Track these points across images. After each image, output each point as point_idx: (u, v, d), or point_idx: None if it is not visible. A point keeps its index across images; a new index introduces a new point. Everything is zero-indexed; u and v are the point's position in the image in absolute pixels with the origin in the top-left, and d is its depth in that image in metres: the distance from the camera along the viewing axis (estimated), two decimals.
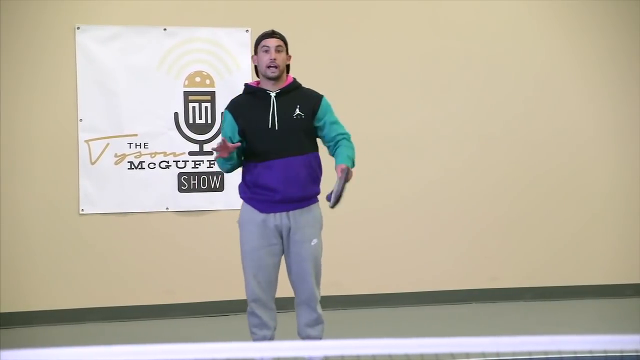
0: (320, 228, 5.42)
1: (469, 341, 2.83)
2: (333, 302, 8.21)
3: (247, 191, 5.35)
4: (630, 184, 8.79)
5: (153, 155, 7.99)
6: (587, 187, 8.80)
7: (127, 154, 7.95)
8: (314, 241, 5.35)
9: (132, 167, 7.95)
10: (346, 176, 5.20)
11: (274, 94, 5.32)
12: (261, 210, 5.30)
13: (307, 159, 5.31)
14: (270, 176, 5.25)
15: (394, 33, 8.42)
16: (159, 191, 8.02)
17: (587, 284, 8.70)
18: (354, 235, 8.31)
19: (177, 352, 2.70)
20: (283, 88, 5.35)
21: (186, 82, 8.07)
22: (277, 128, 5.27)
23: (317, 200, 5.40)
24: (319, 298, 5.44)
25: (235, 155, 5.29)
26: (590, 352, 2.91)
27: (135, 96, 7.94)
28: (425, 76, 8.48)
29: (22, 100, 7.71)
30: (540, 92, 8.70)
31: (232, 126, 5.32)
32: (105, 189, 7.88)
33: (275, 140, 5.25)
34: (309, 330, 5.44)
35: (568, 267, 8.72)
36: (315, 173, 5.36)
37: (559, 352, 2.96)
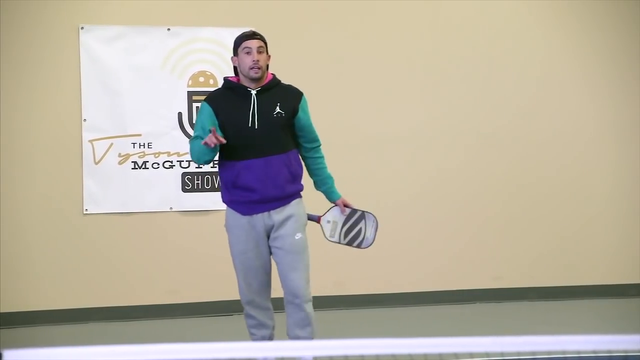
0: (304, 224, 5.34)
1: (473, 341, 2.82)
2: (335, 302, 8.22)
3: (227, 194, 5.27)
4: (634, 182, 8.79)
5: (157, 155, 7.99)
6: (591, 186, 8.79)
7: (130, 153, 7.95)
8: (298, 235, 5.26)
9: (136, 167, 7.95)
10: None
11: (255, 92, 5.24)
12: (243, 213, 5.23)
13: (286, 158, 5.26)
14: (249, 176, 5.18)
15: (394, 32, 8.41)
16: (162, 191, 8.02)
17: (591, 284, 8.69)
18: None
19: (180, 352, 2.70)
20: (264, 86, 5.26)
21: (190, 82, 8.07)
22: (257, 127, 5.19)
23: (299, 197, 5.35)
24: (307, 296, 5.27)
25: (217, 147, 5.22)
26: (594, 352, 2.91)
27: (139, 96, 7.94)
28: (425, 75, 8.47)
29: (26, 100, 7.72)
30: (541, 92, 8.69)
31: (212, 119, 5.21)
32: (109, 189, 7.89)
33: (254, 139, 5.18)
34: (298, 331, 5.27)
35: (572, 266, 8.71)
36: (295, 171, 5.31)
37: (563, 352, 2.95)
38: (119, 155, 7.93)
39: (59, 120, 7.79)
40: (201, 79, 8.08)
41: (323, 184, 5.46)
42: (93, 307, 7.83)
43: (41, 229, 7.76)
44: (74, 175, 7.81)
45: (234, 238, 5.28)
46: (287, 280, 5.24)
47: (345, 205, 5.46)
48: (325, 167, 5.47)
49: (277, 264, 5.29)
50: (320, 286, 8.09)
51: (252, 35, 5.28)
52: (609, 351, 2.89)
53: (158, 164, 7.99)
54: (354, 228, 5.46)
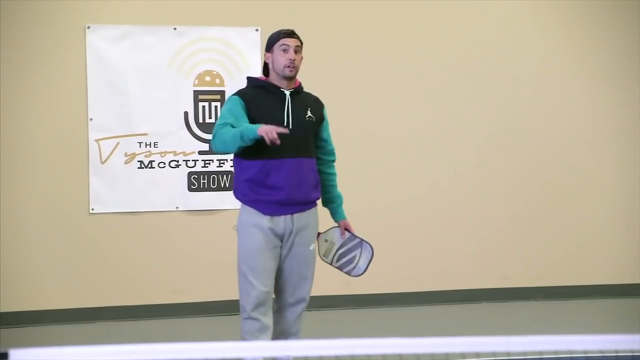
0: (316, 234, 5.25)
1: (480, 341, 2.82)
2: (343, 302, 8.21)
3: (251, 193, 5.09)
4: None
5: (163, 154, 7.99)
6: (598, 186, 8.78)
7: (137, 153, 7.96)
8: (312, 246, 5.18)
9: (142, 166, 7.96)
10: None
11: (289, 92, 5.14)
12: (266, 213, 5.06)
13: (313, 163, 5.17)
14: (279, 175, 5.02)
15: (400, 33, 8.41)
16: (168, 190, 8.03)
17: (598, 284, 8.68)
18: (364, 234, 8.28)
19: (186, 352, 2.69)
20: (296, 88, 5.18)
21: (196, 82, 8.08)
22: (291, 127, 5.05)
23: (316, 206, 5.22)
24: (305, 306, 5.22)
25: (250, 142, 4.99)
26: (601, 351, 2.90)
27: (145, 95, 7.94)
28: (437, 76, 8.47)
29: (32, 100, 7.73)
30: (548, 92, 8.69)
31: (242, 112, 5.04)
32: (115, 188, 7.89)
33: (288, 138, 4.97)
34: (282, 340, 5.10)
35: (579, 266, 8.71)
36: (317, 179, 5.21)
37: (570, 352, 2.95)
38: (125, 155, 7.93)
39: (65, 119, 7.80)
40: (207, 79, 8.09)
41: (331, 202, 5.35)
42: (99, 307, 7.84)
43: (47, 228, 7.77)
44: (80, 174, 7.82)
45: (249, 237, 5.08)
46: (295, 288, 5.15)
47: (346, 229, 5.34)
48: (336, 186, 5.38)
49: (284, 270, 5.15)
50: (327, 286, 8.11)
51: (292, 34, 5.18)
52: (616, 351, 2.88)
53: (164, 164, 7.99)
54: (349, 254, 5.31)
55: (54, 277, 7.79)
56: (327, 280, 8.13)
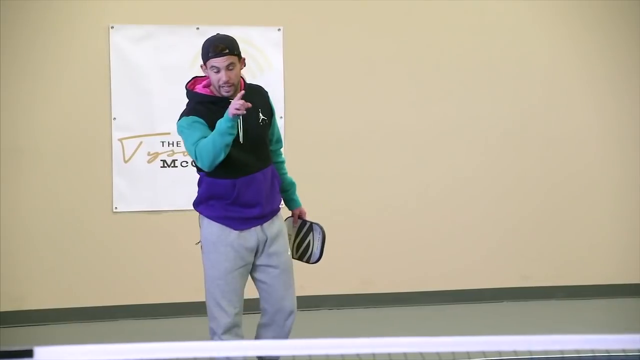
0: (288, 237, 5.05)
1: (500, 339, 2.83)
2: (363, 301, 8.22)
3: (221, 210, 4.86)
4: None
5: (185, 153, 8.01)
6: (620, 184, 8.74)
7: (159, 152, 7.99)
8: (288, 251, 4.99)
9: (165, 165, 7.99)
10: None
11: None
12: (235, 228, 4.85)
13: (273, 168, 4.94)
14: (249, 192, 4.82)
15: (408, 33, 8.37)
16: (191, 189, 8.01)
17: (620, 283, 8.65)
18: (384, 233, 8.30)
19: (207, 349, 2.72)
20: (243, 95, 4.72)
21: None
22: (247, 140, 4.78)
23: (280, 209, 5.02)
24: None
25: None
26: (624, 351, 2.91)
27: (168, 95, 7.97)
28: (449, 74, 8.44)
29: (57, 99, 7.78)
30: (561, 90, 8.66)
31: (204, 127, 4.75)
32: (138, 187, 7.93)
33: (248, 153, 4.79)
34: None
35: (600, 265, 8.67)
36: (279, 180, 5.00)
37: (592, 351, 2.95)
38: (148, 154, 7.97)
39: (90, 119, 7.85)
40: None
41: (283, 190, 5.07)
42: (122, 305, 7.88)
43: (72, 226, 7.81)
44: (104, 173, 7.86)
45: (220, 256, 4.85)
46: (283, 299, 4.93)
47: (300, 217, 5.12)
48: (286, 173, 5.10)
49: (265, 283, 4.94)
50: (347, 284, 8.13)
51: (220, 52, 4.78)
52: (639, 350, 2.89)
53: (187, 162, 8.02)
54: (304, 241, 5.10)
55: (77, 275, 7.83)
56: (347, 279, 8.16)
